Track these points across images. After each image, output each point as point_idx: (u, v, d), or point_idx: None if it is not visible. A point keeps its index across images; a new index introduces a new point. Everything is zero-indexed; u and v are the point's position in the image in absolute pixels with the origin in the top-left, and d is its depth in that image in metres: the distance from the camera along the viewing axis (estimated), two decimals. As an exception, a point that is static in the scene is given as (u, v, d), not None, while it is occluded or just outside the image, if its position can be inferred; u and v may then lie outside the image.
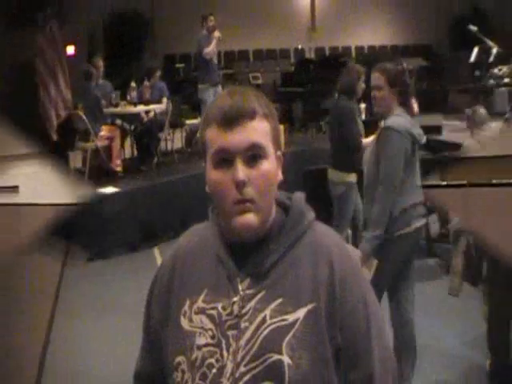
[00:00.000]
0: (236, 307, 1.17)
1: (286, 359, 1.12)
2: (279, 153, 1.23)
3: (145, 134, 8.08)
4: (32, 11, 8.07)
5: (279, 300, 1.16)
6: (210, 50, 8.35)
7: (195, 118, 10.34)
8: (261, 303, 1.17)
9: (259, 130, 1.17)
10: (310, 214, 1.26)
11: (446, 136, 9.83)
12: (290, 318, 1.14)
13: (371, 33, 16.72)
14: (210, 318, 1.19)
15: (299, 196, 1.29)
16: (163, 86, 8.64)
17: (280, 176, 1.23)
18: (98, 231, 6.62)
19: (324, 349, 1.14)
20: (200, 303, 1.21)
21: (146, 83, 8.62)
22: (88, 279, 5.98)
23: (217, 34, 8.28)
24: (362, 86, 4.85)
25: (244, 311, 1.17)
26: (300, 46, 15.68)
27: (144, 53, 13.68)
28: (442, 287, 5.16)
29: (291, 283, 1.17)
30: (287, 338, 1.13)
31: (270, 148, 1.18)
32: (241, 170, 1.14)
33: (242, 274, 1.19)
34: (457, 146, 7.23)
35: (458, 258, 4.25)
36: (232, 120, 1.15)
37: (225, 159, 1.16)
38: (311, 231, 1.24)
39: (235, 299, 1.18)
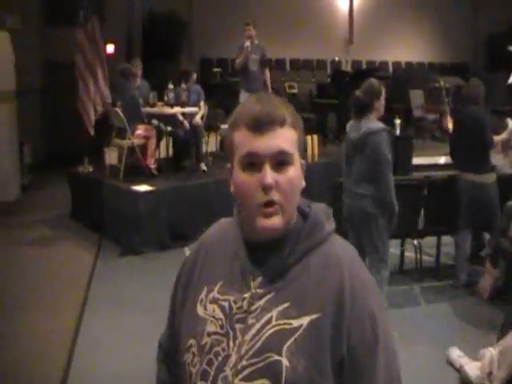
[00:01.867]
0: (246, 303, 1.23)
1: (284, 361, 1.16)
2: (303, 161, 1.28)
3: (189, 136, 8.15)
4: (74, 10, 8.28)
5: (286, 304, 1.20)
6: (240, 60, 8.53)
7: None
8: (269, 303, 1.21)
9: (287, 138, 1.21)
10: (330, 226, 1.29)
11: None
12: (294, 323, 1.18)
13: (409, 49, 16.73)
14: (222, 308, 1.25)
15: (319, 206, 1.32)
16: (200, 89, 8.75)
17: (303, 183, 1.27)
18: (130, 227, 6.72)
19: (322, 359, 1.16)
20: (215, 293, 1.28)
21: (183, 85, 8.71)
22: (118, 274, 6.07)
23: (246, 43, 8.41)
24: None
25: (253, 308, 1.22)
26: (337, 58, 15.75)
27: (181, 55, 13.86)
28: (468, 306, 5.20)
29: (299, 290, 1.21)
30: (289, 342, 1.17)
31: (296, 156, 1.23)
32: (269, 174, 1.18)
33: (256, 273, 1.24)
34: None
35: None
36: (263, 125, 1.19)
37: (253, 163, 1.20)
38: (328, 243, 1.27)
39: (246, 295, 1.24)
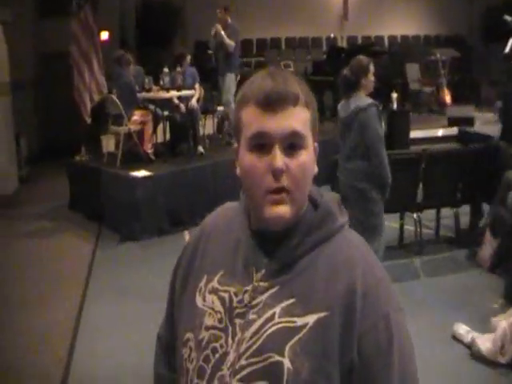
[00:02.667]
0: (247, 296, 1.12)
1: (286, 363, 1.05)
2: (316, 144, 1.15)
3: (186, 120, 8.09)
4: (66, -1, 8.17)
5: (291, 300, 1.09)
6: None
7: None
8: (272, 299, 1.10)
9: (300, 118, 1.09)
10: (343, 218, 1.18)
11: (478, 128, 9.72)
12: (299, 321, 1.07)
13: (404, 23, 16.54)
14: (222, 300, 1.15)
15: (332, 196, 1.21)
16: (194, 71, 8.65)
17: (316, 169, 1.14)
18: (128, 214, 6.67)
19: (328, 362, 1.05)
20: (215, 283, 1.18)
21: (178, 69, 8.63)
22: (118, 262, 6.04)
23: (217, 27, 8.26)
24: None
25: (254, 302, 1.11)
26: (332, 35, 15.58)
27: (175, 39, 13.73)
28: (469, 278, 5.16)
29: (306, 285, 1.09)
30: (292, 342, 1.06)
31: (309, 138, 1.11)
32: (279, 158, 1.06)
33: (259, 264, 1.13)
34: (488, 138, 7.17)
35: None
36: (274, 103, 1.07)
37: (262, 144, 1.08)
38: (340, 236, 1.15)
39: (247, 288, 1.13)
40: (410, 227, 5.94)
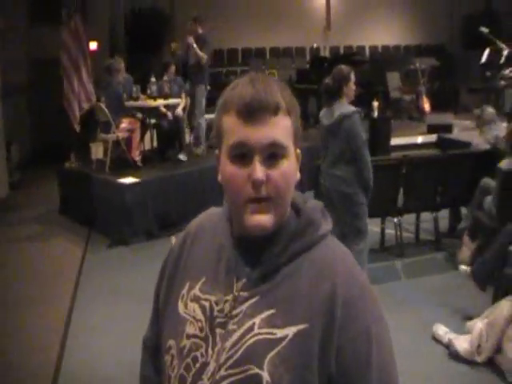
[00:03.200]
0: (227, 306, 1.10)
1: (265, 376, 1.02)
2: (298, 151, 1.12)
3: (172, 127, 8.11)
4: (57, 8, 8.15)
5: (271, 311, 1.06)
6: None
7: (212, 112, 10.35)
8: (252, 309, 1.07)
9: (281, 128, 1.06)
10: (326, 225, 1.14)
11: (457, 134, 9.80)
12: (279, 333, 1.04)
13: (385, 33, 16.65)
14: (203, 309, 1.13)
15: (315, 203, 1.17)
16: (181, 80, 8.67)
17: (298, 175, 1.11)
18: (118, 219, 6.67)
19: (309, 374, 1.02)
20: (197, 290, 1.15)
21: (165, 78, 8.66)
22: (108, 265, 6.02)
23: (189, 39, 8.09)
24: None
25: (235, 312, 1.09)
26: (315, 45, 15.64)
27: (164, 47, 13.72)
28: (449, 279, 5.21)
29: (286, 296, 1.06)
30: (271, 354, 1.03)
31: (290, 147, 1.07)
32: (259, 169, 1.03)
33: (241, 273, 1.10)
34: (466, 144, 7.23)
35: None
36: (254, 113, 1.04)
37: (242, 154, 1.05)
38: (323, 245, 1.11)
39: (228, 298, 1.10)
40: (391, 231, 5.98)
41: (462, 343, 3.91)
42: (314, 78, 10.82)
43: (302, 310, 1.05)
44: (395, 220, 5.86)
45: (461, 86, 13.63)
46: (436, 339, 4.16)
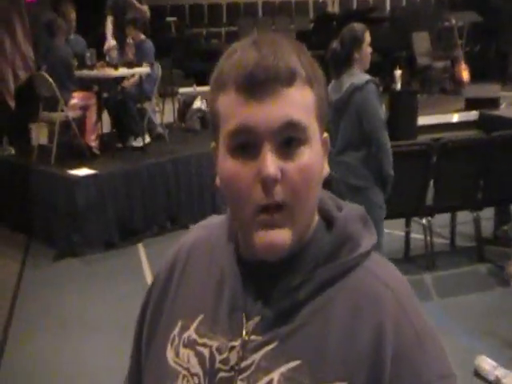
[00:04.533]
0: (234, 355, 1.02)
1: None
2: (326, 134, 1.05)
3: (119, 105, 8.06)
4: None
5: (295, 362, 0.98)
6: None
7: (190, 85, 10.33)
8: (269, 360, 0.99)
9: (299, 102, 0.98)
10: (368, 242, 1.05)
11: (505, 110, 9.77)
12: None
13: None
14: (200, 358, 1.05)
15: (353, 210, 1.09)
16: (150, 44, 8.60)
17: (326, 170, 1.05)
18: (67, 223, 6.62)
19: None
20: (192, 332, 1.08)
21: (130, 41, 8.59)
22: (54, 283, 5.96)
23: None
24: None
25: (244, 364, 1.01)
26: (321, -2, 15.65)
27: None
28: (494, 299, 5.17)
29: (315, 342, 0.99)
30: None
31: (313, 129, 1.00)
32: (270, 162, 0.94)
33: (251, 309, 1.03)
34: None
35: None
36: (260, 85, 0.95)
37: (246, 143, 0.97)
38: (362, 268, 1.03)
39: (235, 344, 1.02)
40: (418, 235, 5.97)
41: None
42: (318, 42, 10.78)
43: (337, 362, 0.97)
44: (424, 221, 5.84)
45: (509, 49, 13.61)
46: (480, 375, 4.12)
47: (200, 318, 1.08)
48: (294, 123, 0.96)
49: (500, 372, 4.02)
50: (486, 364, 4.15)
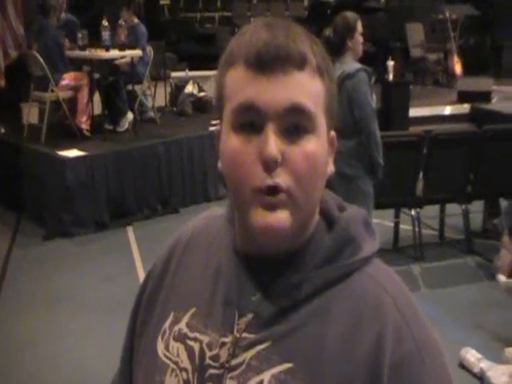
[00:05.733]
0: (225, 352, 0.99)
1: None
2: (333, 133, 1.01)
3: (110, 87, 8.04)
4: None
5: (288, 365, 0.94)
6: None
7: (182, 69, 10.30)
8: (260, 360, 0.96)
9: (308, 89, 0.95)
10: (370, 246, 1.02)
11: (497, 104, 9.80)
12: None
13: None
14: (189, 352, 1.02)
15: (355, 212, 1.06)
16: (143, 28, 8.57)
17: (331, 168, 1.02)
18: (57, 203, 6.61)
19: None
20: (183, 325, 1.05)
21: (122, 22, 8.54)
22: (43, 263, 5.95)
23: None
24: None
25: (234, 362, 0.98)
26: (316, -15, 15.56)
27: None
28: (482, 292, 5.20)
29: (311, 343, 0.95)
30: None
31: (321, 120, 0.96)
32: (273, 142, 0.91)
33: (245, 305, 1.00)
34: (509, 118, 7.24)
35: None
36: (270, 62, 0.92)
37: (251, 122, 0.94)
38: (363, 273, 1.00)
39: (226, 340, 0.99)
40: (407, 226, 5.99)
41: (500, 376, 3.89)
42: (313, 30, 10.77)
43: (332, 368, 0.93)
44: (413, 213, 5.85)
45: (504, 42, 13.59)
46: (464, 367, 4.15)
47: (192, 310, 1.06)
48: (301, 108, 0.93)
49: (485, 364, 4.04)
50: (471, 356, 4.17)
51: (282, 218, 0.93)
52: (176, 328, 1.06)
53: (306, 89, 0.94)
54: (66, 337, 4.62)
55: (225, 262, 1.05)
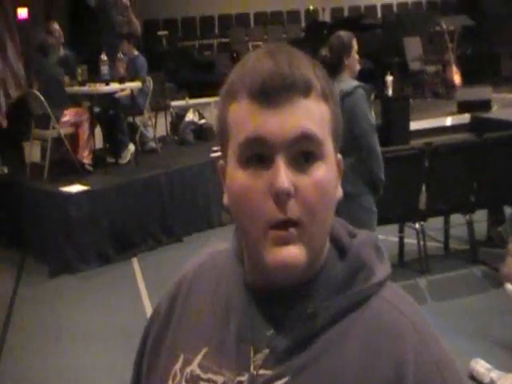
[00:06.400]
0: None
1: None
2: (340, 156, 1.01)
3: (111, 120, 8.08)
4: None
5: None
6: None
7: (182, 98, 10.34)
8: None
9: (315, 115, 0.93)
10: (382, 270, 1.01)
11: (497, 113, 9.78)
12: None
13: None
14: None
15: (365, 237, 1.04)
16: (143, 60, 8.64)
17: (340, 192, 1.00)
18: (61, 239, 6.60)
19: None
20: (195, 367, 1.02)
21: (121, 56, 8.59)
22: (49, 300, 5.95)
23: None
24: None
25: None
26: (312, 7, 15.66)
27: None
28: (489, 301, 5.16)
29: (331, 376, 0.93)
30: None
31: (328, 145, 0.95)
32: (284, 174, 0.89)
33: (260, 341, 0.97)
34: (509, 125, 7.21)
35: None
36: (275, 93, 0.91)
37: (259, 155, 0.92)
38: (378, 298, 0.98)
39: (242, 379, 0.96)
40: (411, 240, 5.96)
41: None
42: (310, 51, 10.83)
43: None
44: (417, 226, 5.84)
45: (502, 52, 13.62)
46: (474, 378, 4.11)
47: (204, 351, 1.02)
48: (309, 135, 0.91)
49: (495, 374, 4.01)
50: (481, 367, 4.14)
51: (295, 252, 0.91)
52: (188, 370, 1.03)
53: (312, 115, 0.93)
54: (73, 372, 4.59)
55: (234, 298, 1.02)
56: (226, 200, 0.97)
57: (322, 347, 0.94)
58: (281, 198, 0.89)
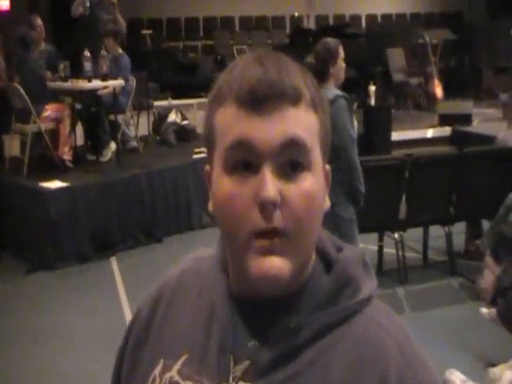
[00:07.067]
0: None
1: None
2: (328, 167, 0.98)
3: (93, 118, 8.06)
4: None
5: None
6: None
7: (165, 98, 10.33)
8: None
9: (304, 124, 0.91)
10: (368, 287, 0.98)
11: (477, 127, 9.87)
12: None
13: (386, -2, 16.82)
14: None
15: (353, 252, 1.01)
16: (127, 59, 8.61)
17: (327, 203, 0.97)
18: (40, 235, 6.58)
19: None
20: (174, 373, 0.99)
21: (104, 53, 8.56)
22: (26, 297, 5.92)
23: None
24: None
25: None
26: (297, 14, 15.72)
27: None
28: (466, 312, 5.20)
29: None
30: None
31: (317, 155, 0.93)
32: (270, 183, 0.87)
33: (241, 351, 0.95)
34: (489, 139, 7.27)
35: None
36: (264, 99, 0.88)
37: (245, 162, 0.90)
38: (364, 315, 0.96)
39: None
40: (390, 250, 5.97)
41: None
42: (294, 57, 10.88)
43: None
44: (396, 236, 5.85)
45: (483, 65, 13.75)
46: None
47: (184, 358, 1.00)
48: (297, 143, 0.89)
49: None
50: (456, 378, 4.16)
51: (278, 264, 0.89)
52: (167, 376, 1.00)
53: (301, 124, 0.91)
54: (51, 370, 4.57)
55: (218, 306, 1.00)
56: (210, 207, 0.95)
57: (305, 363, 0.92)
58: (266, 207, 0.87)
